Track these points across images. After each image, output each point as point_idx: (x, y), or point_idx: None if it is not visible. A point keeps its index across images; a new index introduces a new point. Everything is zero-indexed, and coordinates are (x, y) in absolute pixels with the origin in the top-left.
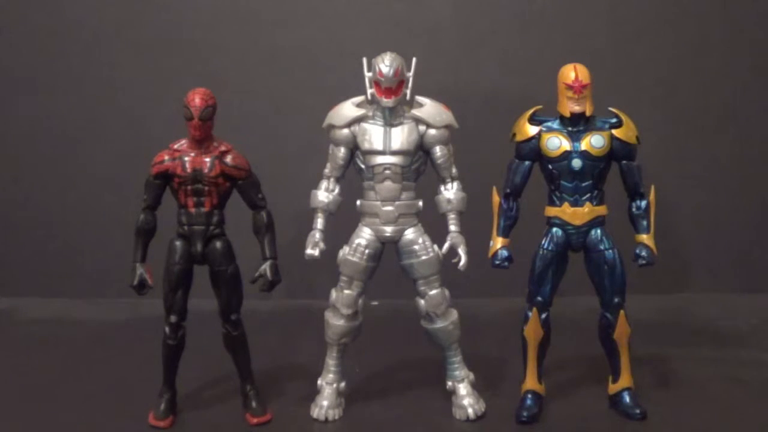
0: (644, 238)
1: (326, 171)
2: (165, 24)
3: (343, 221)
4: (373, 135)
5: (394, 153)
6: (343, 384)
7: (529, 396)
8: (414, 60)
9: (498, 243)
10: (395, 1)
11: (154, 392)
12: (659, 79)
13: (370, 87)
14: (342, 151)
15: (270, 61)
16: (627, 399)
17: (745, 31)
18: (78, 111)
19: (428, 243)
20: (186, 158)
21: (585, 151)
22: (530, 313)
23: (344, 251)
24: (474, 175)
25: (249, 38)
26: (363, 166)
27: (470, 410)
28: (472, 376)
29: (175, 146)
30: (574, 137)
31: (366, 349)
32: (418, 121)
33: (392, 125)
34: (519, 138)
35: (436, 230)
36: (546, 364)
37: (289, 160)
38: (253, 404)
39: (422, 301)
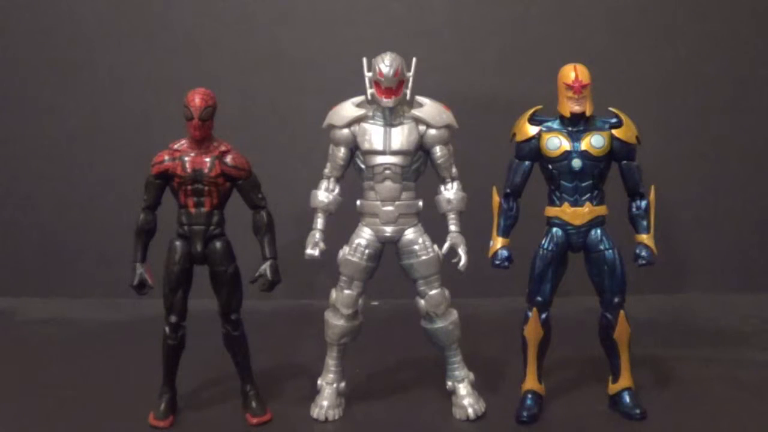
0: (644, 238)
1: (326, 171)
2: (165, 24)
3: (343, 221)
4: (373, 135)
5: (394, 153)
6: (343, 384)
7: (529, 396)
8: (414, 60)
9: (498, 243)
10: (395, 2)
11: (154, 392)
12: (659, 78)
13: (370, 87)
14: (342, 151)
15: (270, 61)
16: (627, 399)
17: (745, 31)
18: (78, 111)
19: (428, 243)
20: (186, 158)
21: (585, 151)
22: (530, 313)
23: (344, 251)
24: (474, 175)
25: (249, 38)
26: (363, 166)
27: (470, 410)
28: (472, 376)
29: (175, 146)
30: (574, 137)
31: (366, 349)
32: (418, 121)
33: (392, 125)
34: (519, 138)
35: (436, 230)
36: (546, 364)
37: (289, 161)
38: (253, 404)
39: (422, 301)
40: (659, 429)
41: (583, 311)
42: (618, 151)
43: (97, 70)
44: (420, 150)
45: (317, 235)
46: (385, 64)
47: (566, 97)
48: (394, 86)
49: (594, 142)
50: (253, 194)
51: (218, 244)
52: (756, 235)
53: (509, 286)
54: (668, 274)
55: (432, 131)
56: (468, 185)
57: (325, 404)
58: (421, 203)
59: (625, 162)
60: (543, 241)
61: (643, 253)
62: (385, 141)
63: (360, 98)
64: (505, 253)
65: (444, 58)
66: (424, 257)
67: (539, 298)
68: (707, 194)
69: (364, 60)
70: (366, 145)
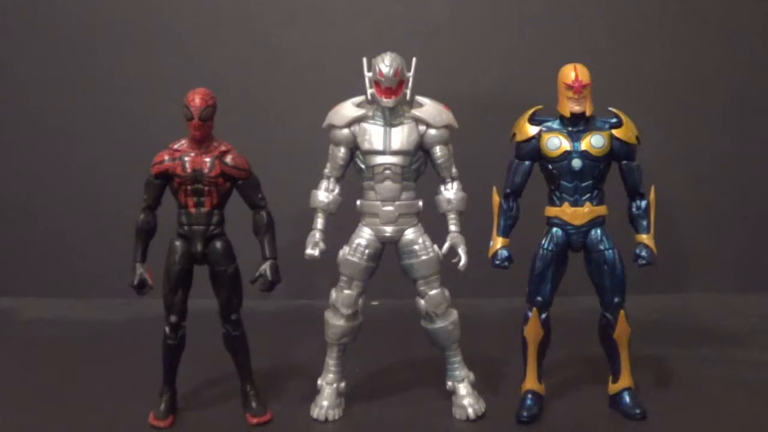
0: (644, 238)
1: (326, 171)
2: (165, 24)
3: (343, 221)
4: (373, 135)
5: (394, 153)
6: (343, 384)
7: (529, 396)
8: (414, 60)
9: (498, 243)
10: (395, 1)
11: (154, 392)
12: (659, 79)
13: (370, 87)
14: (342, 151)
15: (270, 61)
16: (627, 399)
17: (746, 31)
18: (78, 111)
19: (428, 243)
20: (186, 158)
21: (585, 151)
22: (530, 313)
23: (344, 251)
24: (474, 175)
25: (249, 38)
26: (363, 166)
27: (470, 410)
28: (472, 376)
29: (175, 146)
30: (574, 137)
31: (366, 349)
32: (418, 121)
33: (392, 125)
34: (519, 138)
35: (436, 230)
36: (546, 364)
37: (289, 160)
38: (253, 404)
39: (422, 301)
40: (659, 429)
41: (583, 311)
42: (618, 151)
43: (97, 70)
44: (420, 150)
45: (317, 235)
46: (385, 64)
47: (566, 97)
48: (394, 86)
49: (594, 142)
50: (253, 194)
51: (218, 244)
52: (756, 235)
53: (509, 286)
54: (668, 274)
55: (432, 131)
56: (468, 185)
57: (325, 404)
58: (421, 203)
59: (625, 162)
60: (543, 241)
61: (644, 253)
62: (385, 141)
63: (360, 98)
64: (505, 253)
65: (444, 58)
66: (424, 257)
67: (539, 298)
68: (707, 194)
69: (364, 60)
70: (366, 145)
